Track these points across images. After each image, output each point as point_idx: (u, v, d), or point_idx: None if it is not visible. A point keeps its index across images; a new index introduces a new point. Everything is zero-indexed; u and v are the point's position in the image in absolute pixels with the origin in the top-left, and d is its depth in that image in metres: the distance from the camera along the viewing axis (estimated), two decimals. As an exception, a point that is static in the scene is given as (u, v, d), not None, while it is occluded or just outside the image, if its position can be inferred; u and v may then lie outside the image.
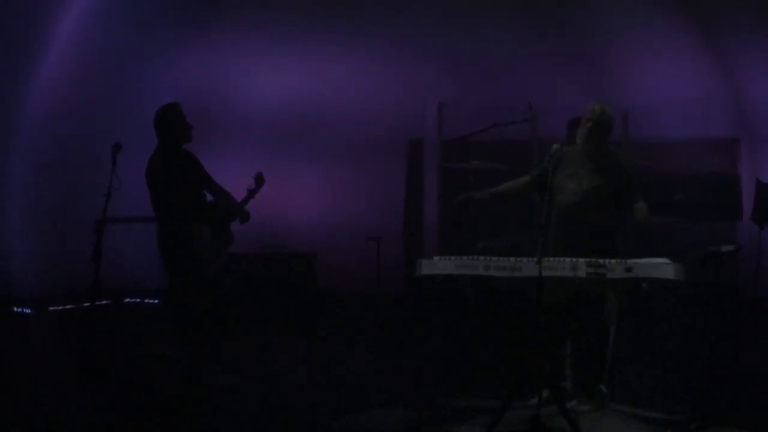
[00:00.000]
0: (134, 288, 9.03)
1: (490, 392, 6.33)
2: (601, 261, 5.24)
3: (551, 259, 5.28)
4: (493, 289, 6.24)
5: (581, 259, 5.25)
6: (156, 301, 9.27)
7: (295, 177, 9.75)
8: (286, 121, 9.66)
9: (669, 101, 8.47)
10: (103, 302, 7.37)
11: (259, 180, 7.14)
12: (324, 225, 9.50)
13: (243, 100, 9.68)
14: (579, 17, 9.28)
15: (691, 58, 8.85)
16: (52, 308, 8.11)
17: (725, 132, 8.47)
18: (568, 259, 5.26)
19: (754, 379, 6.17)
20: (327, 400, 6.53)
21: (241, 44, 9.66)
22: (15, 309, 8.00)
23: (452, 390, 6.65)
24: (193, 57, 9.59)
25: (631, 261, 5.26)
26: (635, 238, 7.09)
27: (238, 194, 7.00)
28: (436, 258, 5.49)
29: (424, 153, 9.26)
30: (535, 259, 5.23)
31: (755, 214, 7.38)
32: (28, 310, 8.03)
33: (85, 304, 7.13)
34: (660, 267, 5.19)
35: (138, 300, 9.20)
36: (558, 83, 8.93)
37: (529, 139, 8.58)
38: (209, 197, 6.83)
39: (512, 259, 5.34)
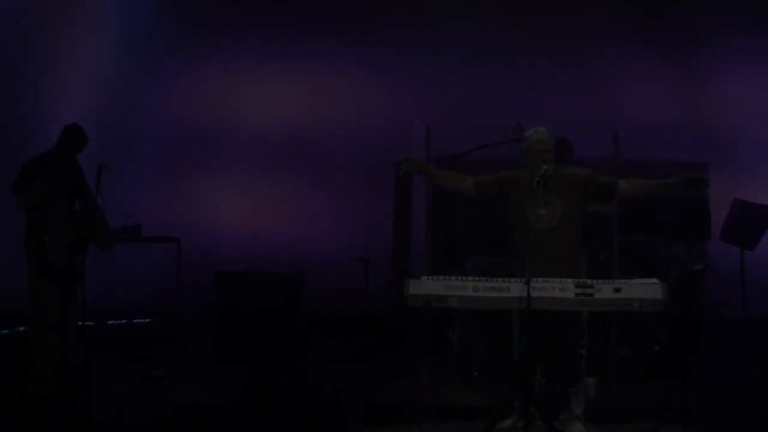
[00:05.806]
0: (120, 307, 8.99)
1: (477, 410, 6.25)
2: (589, 281, 5.20)
3: (539, 279, 5.22)
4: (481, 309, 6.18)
5: (569, 280, 5.20)
6: (146, 320, 9.23)
7: (282, 197, 9.74)
8: (274, 140, 9.64)
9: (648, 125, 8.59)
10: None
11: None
12: (312, 245, 9.45)
13: (231, 120, 9.67)
14: (567, 37, 9.31)
15: (665, 83, 8.97)
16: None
17: (696, 157, 8.54)
18: (557, 280, 5.21)
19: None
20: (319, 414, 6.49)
21: (231, 63, 9.67)
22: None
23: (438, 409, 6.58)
24: (183, 78, 9.62)
25: (620, 281, 5.23)
26: (619, 257, 7.09)
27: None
28: (423, 278, 5.42)
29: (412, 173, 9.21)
30: (523, 279, 5.18)
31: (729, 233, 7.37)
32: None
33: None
34: (649, 287, 5.15)
35: (124, 321, 9.15)
36: (547, 102, 8.92)
37: (518, 159, 8.52)
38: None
39: (500, 279, 5.29)
